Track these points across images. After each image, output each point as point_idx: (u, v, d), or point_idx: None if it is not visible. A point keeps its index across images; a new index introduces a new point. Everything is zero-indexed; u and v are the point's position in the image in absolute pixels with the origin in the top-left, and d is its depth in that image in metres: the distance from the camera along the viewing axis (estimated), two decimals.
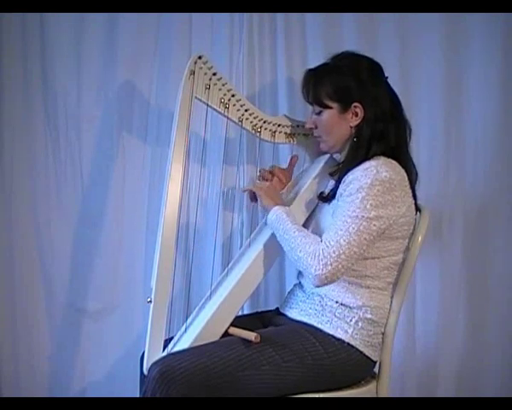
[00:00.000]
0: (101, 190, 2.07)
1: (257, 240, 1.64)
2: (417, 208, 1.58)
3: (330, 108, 1.56)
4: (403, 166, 1.52)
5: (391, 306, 1.56)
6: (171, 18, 2.01)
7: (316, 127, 1.62)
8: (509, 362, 2.02)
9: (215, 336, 1.48)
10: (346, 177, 1.49)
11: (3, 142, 2.05)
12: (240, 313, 1.62)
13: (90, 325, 2.09)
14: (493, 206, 2.01)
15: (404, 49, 2.00)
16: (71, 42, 2.03)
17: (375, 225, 1.42)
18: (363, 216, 1.42)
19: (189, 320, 1.55)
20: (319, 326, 1.50)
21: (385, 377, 1.58)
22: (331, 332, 1.49)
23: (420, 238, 1.59)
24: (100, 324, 2.10)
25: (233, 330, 1.48)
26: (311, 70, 1.61)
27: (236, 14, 2.00)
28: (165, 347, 1.48)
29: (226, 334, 1.49)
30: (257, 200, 1.62)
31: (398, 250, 1.53)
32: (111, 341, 2.10)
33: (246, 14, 1.99)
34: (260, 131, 1.70)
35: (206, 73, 1.60)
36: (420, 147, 1.96)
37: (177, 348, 1.46)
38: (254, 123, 1.69)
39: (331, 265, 1.40)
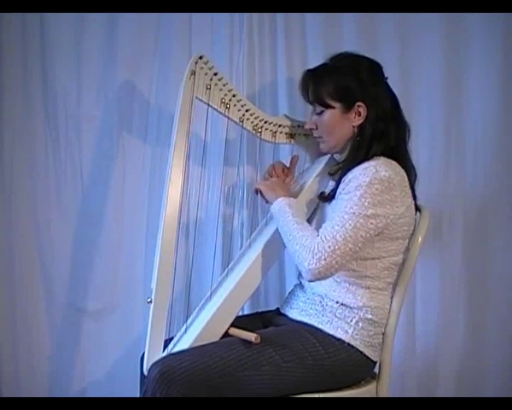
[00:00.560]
0: (101, 190, 2.07)
1: (257, 241, 1.64)
2: (417, 208, 1.58)
3: (333, 107, 1.56)
4: (402, 167, 1.52)
5: (391, 306, 1.56)
6: (171, 18, 2.01)
7: (316, 128, 1.61)
8: (509, 362, 2.02)
9: (215, 336, 1.48)
10: (345, 176, 1.49)
11: (3, 142, 2.05)
12: (240, 314, 1.61)
13: (90, 324, 2.09)
14: (493, 206, 2.01)
15: (404, 49, 2.00)
16: (71, 42, 2.03)
17: (371, 223, 1.42)
18: (360, 213, 1.41)
19: (189, 321, 1.55)
20: (319, 326, 1.50)
21: (385, 377, 1.57)
22: (331, 332, 1.49)
23: (420, 238, 1.59)
24: (100, 324, 2.09)
25: (233, 331, 1.48)
26: (310, 70, 1.61)
27: (236, 14, 1.99)
28: (165, 347, 1.48)
29: (226, 334, 1.49)
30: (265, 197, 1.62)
31: (398, 251, 1.53)
32: (111, 341, 2.10)
33: (246, 14, 1.99)
34: (261, 132, 1.69)
35: (206, 74, 1.59)
36: (420, 147, 1.96)
37: (177, 349, 1.46)
38: (255, 123, 1.69)
39: (325, 260, 1.39)
